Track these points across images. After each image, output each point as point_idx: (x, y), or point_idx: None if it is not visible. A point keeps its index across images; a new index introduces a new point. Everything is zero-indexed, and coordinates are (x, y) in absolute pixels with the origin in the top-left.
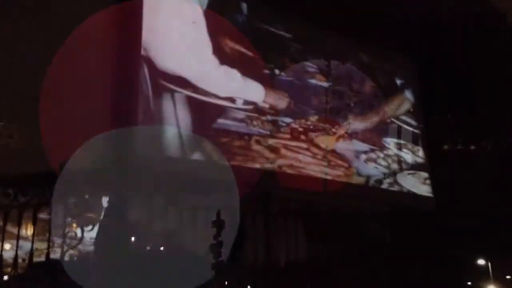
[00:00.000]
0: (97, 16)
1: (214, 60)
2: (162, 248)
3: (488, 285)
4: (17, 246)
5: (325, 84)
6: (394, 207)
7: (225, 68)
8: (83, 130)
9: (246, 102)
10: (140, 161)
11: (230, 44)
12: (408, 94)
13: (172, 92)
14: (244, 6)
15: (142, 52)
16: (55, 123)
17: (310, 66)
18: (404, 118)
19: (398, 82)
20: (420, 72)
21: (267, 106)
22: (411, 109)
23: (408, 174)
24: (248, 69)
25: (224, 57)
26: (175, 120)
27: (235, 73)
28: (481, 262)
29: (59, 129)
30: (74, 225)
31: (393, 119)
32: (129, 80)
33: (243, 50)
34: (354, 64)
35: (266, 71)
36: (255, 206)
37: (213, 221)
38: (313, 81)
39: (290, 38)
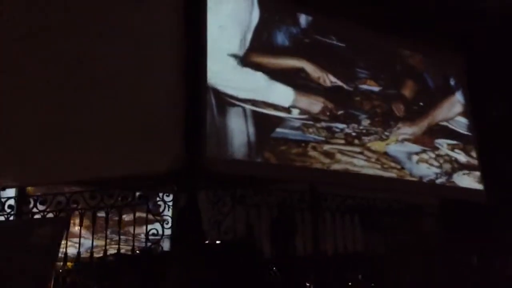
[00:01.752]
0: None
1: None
2: (230, 244)
3: None
4: (105, 244)
5: (376, 88)
6: (446, 200)
7: (247, 70)
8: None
9: (302, 112)
10: (209, 163)
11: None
12: (459, 96)
13: (234, 106)
14: (302, 18)
15: (208, 74)
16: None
17: (361, 72)
18: (456, 118)
19: (450, 83)
20: (470, 71)
21: (304, 111)
22: (463, 110)
23: (464, 174)
24: (275, 74)
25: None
26: (240, 131)
27: (259, 75)
28: None
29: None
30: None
31: (444, 121)
32: (198, 96)
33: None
34: (404, 68)
35: (301, 78)
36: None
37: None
38: (364, 86)
39: (344, 47)
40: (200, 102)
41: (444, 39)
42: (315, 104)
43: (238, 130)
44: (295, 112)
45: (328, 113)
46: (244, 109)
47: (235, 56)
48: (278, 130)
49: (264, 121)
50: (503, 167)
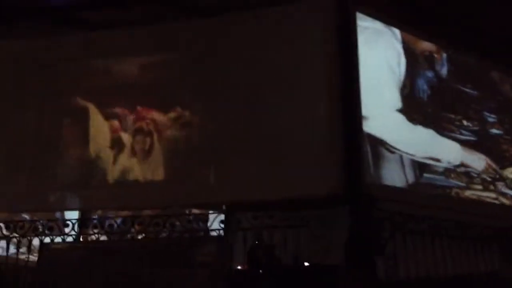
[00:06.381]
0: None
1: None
2: None
3: None
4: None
5: (502, 132)
6: None
7: (420, 128)
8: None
9: (470, 169)
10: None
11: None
12: None
13: (390, 152)
14: (444, 69)
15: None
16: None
17: (490, 116)
18: None
19: None
20: None
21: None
22: None
23: None
24: (442, 129)
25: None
26: (394, 175)
27: (431, 134)
28: None
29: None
30: None
31: None
32: (355, 135)
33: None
34: None
35: (462, 131)
36: None
37: None
38: (493, 130)
39: (477, 95)
40: (357, 142)
41: None
42: (478, 161)
43: (392, 173)
44: (444, 161)
45: (492, 170)
46: (400, 156)
47: (398, 110)
48: (425, 175)
49: (415, 167)
50: None
